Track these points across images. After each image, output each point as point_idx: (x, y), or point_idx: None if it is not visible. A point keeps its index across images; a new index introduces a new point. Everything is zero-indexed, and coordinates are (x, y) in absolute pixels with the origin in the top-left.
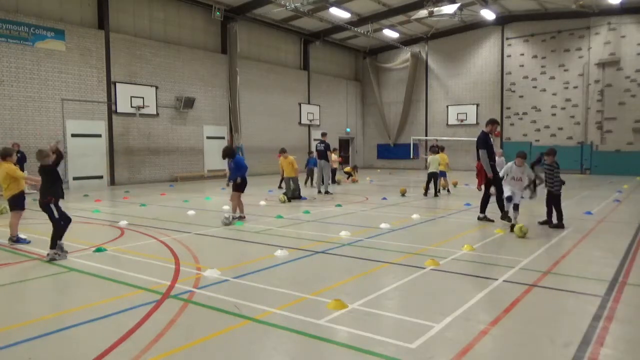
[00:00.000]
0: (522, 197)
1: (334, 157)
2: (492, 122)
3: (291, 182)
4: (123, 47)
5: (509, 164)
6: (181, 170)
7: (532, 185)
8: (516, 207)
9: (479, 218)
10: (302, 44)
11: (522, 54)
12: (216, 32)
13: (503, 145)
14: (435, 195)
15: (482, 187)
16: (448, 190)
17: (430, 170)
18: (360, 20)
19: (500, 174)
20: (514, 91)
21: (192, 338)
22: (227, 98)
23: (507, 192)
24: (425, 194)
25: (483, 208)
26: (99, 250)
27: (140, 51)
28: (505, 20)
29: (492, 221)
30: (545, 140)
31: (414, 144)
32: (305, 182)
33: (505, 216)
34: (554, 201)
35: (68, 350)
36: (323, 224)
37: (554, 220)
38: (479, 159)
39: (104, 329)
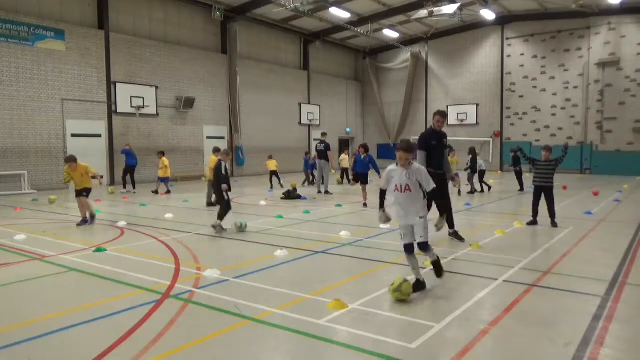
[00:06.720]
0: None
1: (343, 156)
2: (438, 114)
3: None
4: (123, 47)
5: (389, 167)
6: (181, 170)
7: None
8: (415, 250)
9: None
10: (302, 44)
11: (522, 54)
12: (216, 32)
13: (503, 145)
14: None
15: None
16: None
17: None
18: (360, 20)
19: (380, 184)
20: (514, 91)
21: (192, 338)
22: (227, 98)
23: (391, 224)
24: None
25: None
26: (99, 250)
27: (140, 51)
28: (505, 20)
29: (463, 240)
30: (545, 140)
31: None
32: (303, 183)
33: (438, 226)
34: (549, 197)
35: (68, 350)
36: (323, 224)
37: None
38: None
39: (104, 329)
